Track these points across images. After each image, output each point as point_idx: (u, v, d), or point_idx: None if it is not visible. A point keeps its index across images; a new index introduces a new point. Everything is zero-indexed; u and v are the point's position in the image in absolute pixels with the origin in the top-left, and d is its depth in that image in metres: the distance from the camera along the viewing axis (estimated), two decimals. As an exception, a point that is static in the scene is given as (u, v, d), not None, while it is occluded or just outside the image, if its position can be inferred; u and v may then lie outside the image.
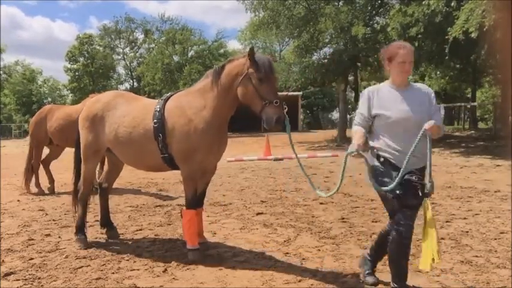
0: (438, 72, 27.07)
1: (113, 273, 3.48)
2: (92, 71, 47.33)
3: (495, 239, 4.22)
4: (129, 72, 51.64)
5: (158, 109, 3.86)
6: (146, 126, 3.86)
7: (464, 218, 5.09)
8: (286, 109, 3.45)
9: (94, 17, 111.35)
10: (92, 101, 4.54)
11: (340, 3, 19.19)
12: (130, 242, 4.39)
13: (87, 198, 4.50)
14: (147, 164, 4.12)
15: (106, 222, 4.64)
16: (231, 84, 3.60)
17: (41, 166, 8.09)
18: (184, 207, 3.89)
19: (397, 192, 2.75)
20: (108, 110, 4.17)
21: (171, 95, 4.04)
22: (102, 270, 3.54)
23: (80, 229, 4.36)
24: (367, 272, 3.16)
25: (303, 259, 3.73)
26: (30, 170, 7.91)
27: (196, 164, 3.75)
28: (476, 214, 5.29)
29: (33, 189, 7.77)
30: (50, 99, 51.72)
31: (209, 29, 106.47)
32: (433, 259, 2.66)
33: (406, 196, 2.75)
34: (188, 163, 3.76)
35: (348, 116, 30.90)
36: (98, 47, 49.49)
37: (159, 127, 3.78)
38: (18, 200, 7.01)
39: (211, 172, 4.14)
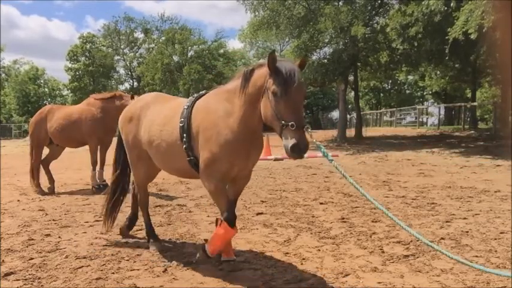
0: (438, 72, 27.11)
1: (113, 273, 3.48)
2: (92, 71, 47.35)
3: (495, 239, 4.22)
4: (129, 72, 51.68)
5: (186, 107, 3.52)
6: (174, 124, 3.54)
7: (464, 218, 5.09)
8: (309, 129, 2.87)
9: (90, 16, 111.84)
10: (133, 101, 4.40)
11: (340, 3, 19.19)
12: (130, 242, 4.39)
13: (145, 203, 4.30)
14: (176, 167, 3.74)
15: (131, 226, 4.53)
16: (258, 96, 3.06)
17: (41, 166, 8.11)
18: (220, 218, 3.42)
19: None
20: (145, 109, 3.95)
21: (204, 93, 3.66)
22: (102, 270, 3.53)
23: (152, 234, 4.20)
24: None
25: (303, 259, 3.73)
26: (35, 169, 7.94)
27: (219, 175, 3.30)
28: (476, 214, 5.29)
29: (44, 188, 7.78)
30: (49, 99, 51.75)
31: (206, 28, 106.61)
32: None
33: None
34: (212, 173, 3.31)
35: (348, 116, 30.90)
36: (101, 47, 49.56)
37: (184, 126, 3.43)
38: (18, 200, 7.00)
39: (245, 178, 3.63)
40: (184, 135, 3.41)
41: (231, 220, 3.32)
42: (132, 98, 7.56)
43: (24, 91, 49.25)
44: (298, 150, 2.78)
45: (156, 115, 3.81)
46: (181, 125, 3.46)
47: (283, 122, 2.81)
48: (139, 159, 4.05)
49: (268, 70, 2.93)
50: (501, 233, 4.42)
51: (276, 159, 12.63)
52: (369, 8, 18.92)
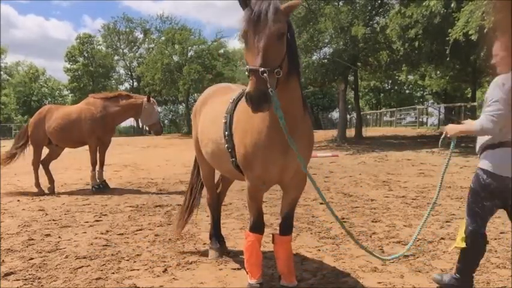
0: (438, 72, 27.12)
1: (113, 273, 3.48)
2: (91, 71, 47.40)
3: (495, 239, 4.22)
4: (129, 72, 51.69)
5: (232, 100, 3.03)
6: (220, 121, 3.08)
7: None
8: (266, 79, 2.15)
9: (87, 16, 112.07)
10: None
11: (340, 3, 19.18)
12: (130, 242, 4.39)
13: (213, 203, 3.99)
14: (226, 169, 3.30)
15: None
16: None
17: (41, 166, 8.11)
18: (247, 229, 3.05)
19: None
20: (204, 104, 3.59)
21: None
22: (102, 270, 3.54)
23: (213, 240, 3.91)
24: None
25: (303, 259, 3.73)
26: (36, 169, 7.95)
27: (255, 178, 2.80)
28: (476, 214, 5.28)
29: (44, 188, 7.80)
30: (49, 98, 51.79)
31: (205, 28, 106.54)
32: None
33: None
34: (247, 173, 2.85)
35: (348, 116, 30.90)
36: (98, 47, 49.63)
37: (227, 122, 2.96)
38: (18, 200, 7.01)
39: (295, 188, 2.98)
40: (226, 132, 2.95)
41: (255, 227, 2.94)
42: (148, 99, 7.64)
43: (24, 91, 49.25)
44: (248, 100, 2.20)
45: (209, 110, 3.42)
46: (224, 121, 2.99)
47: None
48: (199, 157, 3.79)
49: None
50: (501, 233, 4.42)
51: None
52: (369, 8, 18.91)
